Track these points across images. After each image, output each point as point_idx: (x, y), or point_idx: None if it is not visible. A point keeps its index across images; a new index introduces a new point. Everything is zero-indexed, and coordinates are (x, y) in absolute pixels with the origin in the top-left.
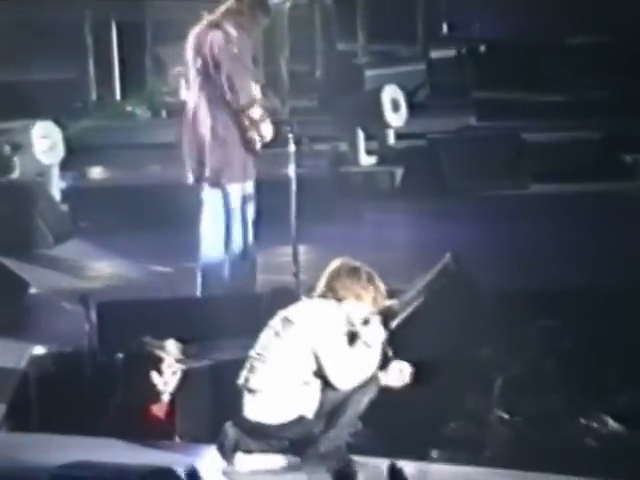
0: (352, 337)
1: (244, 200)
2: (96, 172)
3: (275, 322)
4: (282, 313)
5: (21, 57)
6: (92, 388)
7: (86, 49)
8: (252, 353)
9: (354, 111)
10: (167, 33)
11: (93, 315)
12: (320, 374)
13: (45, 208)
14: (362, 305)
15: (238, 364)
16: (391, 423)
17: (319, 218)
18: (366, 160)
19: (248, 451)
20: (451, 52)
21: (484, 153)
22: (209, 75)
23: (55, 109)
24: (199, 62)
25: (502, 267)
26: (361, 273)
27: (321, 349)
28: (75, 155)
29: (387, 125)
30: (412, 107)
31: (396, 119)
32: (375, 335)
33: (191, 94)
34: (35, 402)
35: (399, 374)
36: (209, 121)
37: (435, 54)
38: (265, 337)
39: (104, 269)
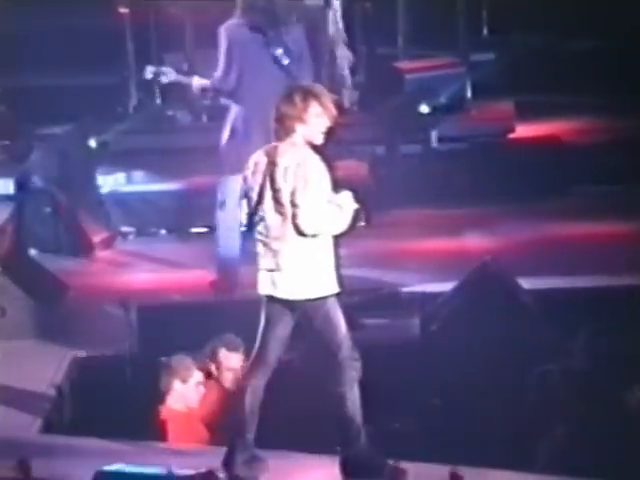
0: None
1: None
2: (137, 176)
3: (268, 203)
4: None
5: (62, 62)
6: (133, 392)
7: (126, 53)
8: (267, 240)
9: (392, 114)
10: (207, 36)
11: (134, 319)
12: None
13: (86, 212)
14: (311, 126)
15: (280, 367)
16: (434, 427)
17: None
18: (402, 163)
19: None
20: (491, 55)
21: (526, 156)
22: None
23: (96, 113)
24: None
25: (543, 270)
26: (293, 96)
27: (300, 189)
28: (116, 158)
29: (423, 127)
30: (453, 110)
31: (432, 121)
32: (347, 201)
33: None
34: (76, 406)
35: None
36: None
37: (475, 57)
38: (270, 220)
39: (145, 273)
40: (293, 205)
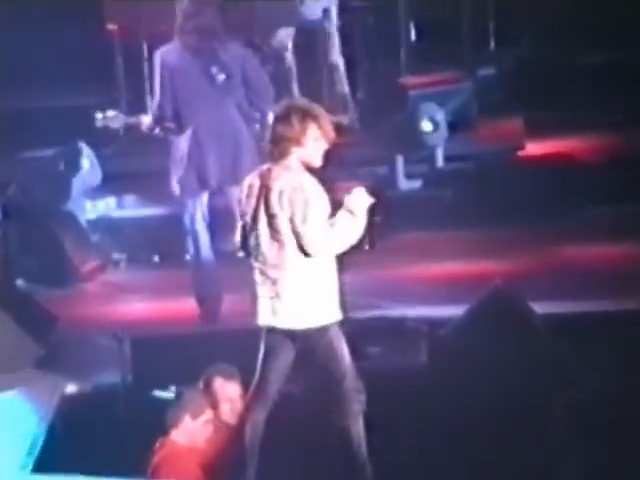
0: (335, 208)
1: None
2: (128, 200)
3: (263, 229)
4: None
5: (49, 82)
6: (127, 426)
7: (116, 71)
8: (264, 268)
9: (392, 132)
10: None
11: (127, 351)
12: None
13: (75, 239)
14: (308, 149)
15: (280, 400)
16: (443, 460)
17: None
18: (406, 184)
19: None
20: (499, 69)
21: (536, 175)
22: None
23: (85, 135)
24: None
25: (557, 294)
26: (291, 117)
27: (299, 214)
28: (106, 182)
29: (425, 146)
30: (460, 128)
31: (435, 139)
32: (358, 202)
33: (206, 106)
34: (67, 443)
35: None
36: (237, 127)
37: (482, 71)
38: (266, 247)
39: (139, 303)
40: (295, 232)
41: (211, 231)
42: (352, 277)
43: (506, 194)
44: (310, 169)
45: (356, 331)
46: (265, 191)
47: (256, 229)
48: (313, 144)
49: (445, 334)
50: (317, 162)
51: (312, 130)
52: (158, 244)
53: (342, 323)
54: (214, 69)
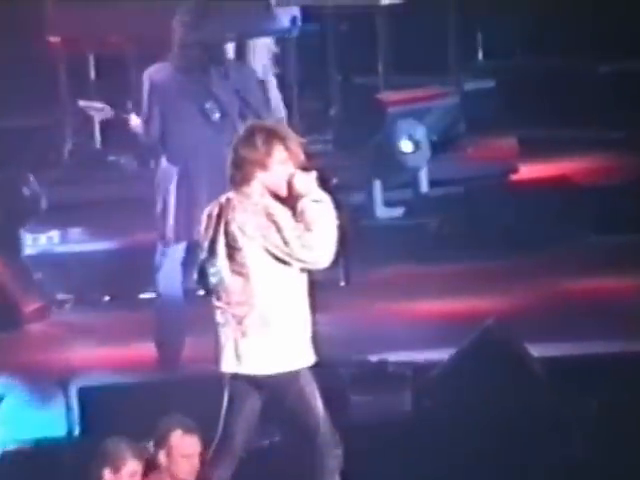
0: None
1: None
2: (74, 234)
3: (223, 263)
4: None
5: None
6: None
7: (59, 89)
8: (228, 307)
9: (368, 153)
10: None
11: (74, 401)
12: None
13: (15, 275)
14: (274, 173)
15: (247, 455)
16: None
17: (334, 281)
18: (385, 212)
19: None
20: (489, 83)
21: (532, 200)
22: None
23: (25, 160)
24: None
25: (556, 334)
26: (255, 138)
27: (276, 242)
28: (49, 213)
29: (404, 168)
30: (446, 148)
31: (415, 160)
32: (308, 184)
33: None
34: None
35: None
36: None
37: (470, 85)
38: (229, 282)
39: (87, 347)
40: (286, 258)
41: (184, 268)
42: (326, 317)
43: (498, 222)
44: (276, 197)
45: (331, 378)
46: (225, 222)
47: (215, 264)
48: (279, 167)
49: (431, 380)
50: (283, 189)
51: (278, 152)
52: (108, 282)
53: (315, 369)
54: (208, 105)
